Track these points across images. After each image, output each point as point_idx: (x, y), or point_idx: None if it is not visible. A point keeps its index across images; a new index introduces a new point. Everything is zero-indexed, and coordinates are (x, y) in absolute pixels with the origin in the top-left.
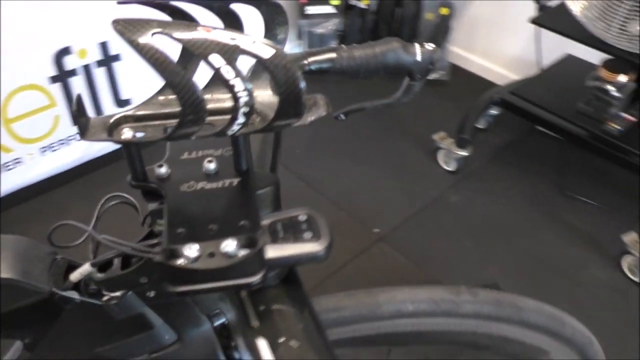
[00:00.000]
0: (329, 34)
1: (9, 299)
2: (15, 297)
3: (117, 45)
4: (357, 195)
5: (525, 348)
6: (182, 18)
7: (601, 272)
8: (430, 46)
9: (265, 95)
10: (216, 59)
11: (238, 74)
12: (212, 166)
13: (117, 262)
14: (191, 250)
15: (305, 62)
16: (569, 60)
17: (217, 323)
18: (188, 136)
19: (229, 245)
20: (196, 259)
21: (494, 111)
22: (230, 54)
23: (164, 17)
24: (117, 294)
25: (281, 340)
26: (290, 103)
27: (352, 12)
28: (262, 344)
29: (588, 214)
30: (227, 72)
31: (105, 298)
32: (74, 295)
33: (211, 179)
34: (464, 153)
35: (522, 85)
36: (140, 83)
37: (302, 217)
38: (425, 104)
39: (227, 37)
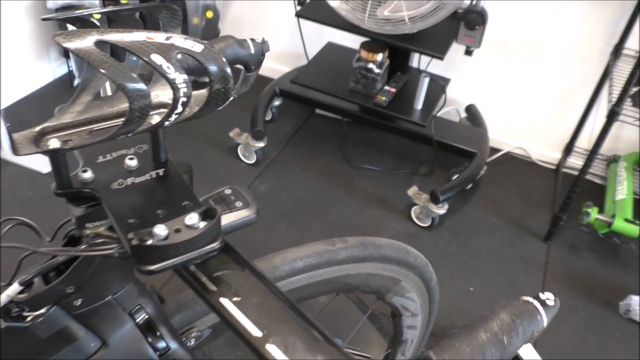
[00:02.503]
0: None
1: None
2: None
3: None
4: None
5: (384, 280)
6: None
7: (396, 224)
8: (259, 39)
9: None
10: (156, 57)
11: (177, 68)
12: (133, 163)
13: (37, 279)
14: (159, 229)
15: None
16: (331, 47)
17: (139, 318)
18: (130, 133)
19: (192, 218)
20: (167, 237)
21: (276, 102)
22: (168, 51)
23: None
24: (42, 310)
25: (238, 293)
26: (220, 90)
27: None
28: (226, 302)
29: (375, 179)
30: (168, 68)
31: (29, 318)
32: None
33: (136, 173)
34: (261, 144)
35: (298, 74)
36: None
37: (228, 191)
38: None
39: (162, 37)
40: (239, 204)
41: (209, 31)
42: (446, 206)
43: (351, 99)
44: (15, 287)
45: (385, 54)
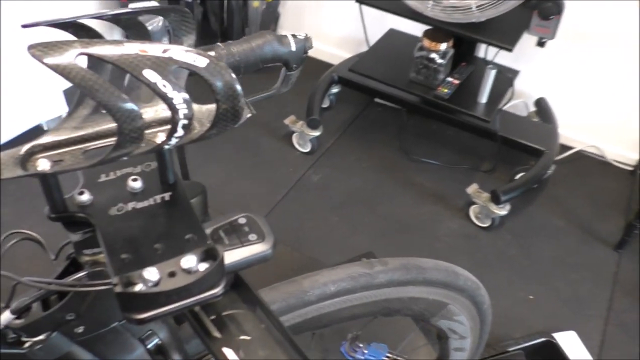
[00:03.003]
0: (158, 30)
1: None
2: None
3: None
4: (220, 193)
5: (428, 304)
6: (87, 35)
7: (453, 223)
8: (301, 36)
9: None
10: (150, 74)
11: (174, 86)
12: (137, 184)
13: (36, 304)
14: (150, 273)
15: None
16: (393, 34)
17: (150, 345)
18: (124, 156)
19: (189, 260)
20: (157, 282)
21: (334, 89)
22: (164, 67)
23: (69, 36)
24: (41, 337)
25: (244, 344)
26: (229, 109)
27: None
28: (229, 353)
29: (433, 173)
30: (164, 86)
31: (27, 344)
32: None
33: (139, 197)
34: (316, 133)
35: (357, 62)
36: None
37: (242, 220)
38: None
39: (159, 49)
40: (252, 236)
41: (269, 15)
42: (508, 207)
43: (411, 90)
44: (6, 316)
45: (450, 44)
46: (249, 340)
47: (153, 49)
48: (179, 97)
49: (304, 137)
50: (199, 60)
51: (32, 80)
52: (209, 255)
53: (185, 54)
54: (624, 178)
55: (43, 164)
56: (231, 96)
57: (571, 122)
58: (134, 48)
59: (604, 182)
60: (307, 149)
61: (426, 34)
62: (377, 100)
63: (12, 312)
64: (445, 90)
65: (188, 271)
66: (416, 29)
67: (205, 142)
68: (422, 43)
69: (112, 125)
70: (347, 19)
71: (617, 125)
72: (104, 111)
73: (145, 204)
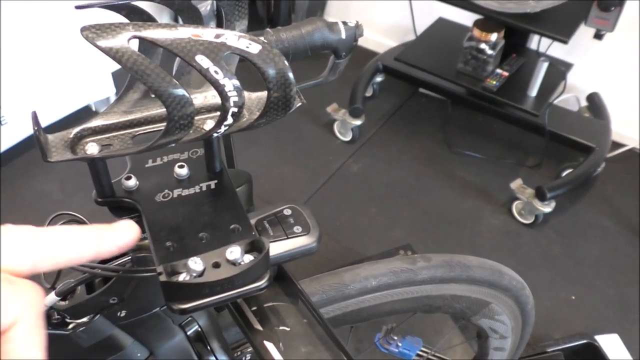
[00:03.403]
0: (206, 14)
1: None
2: None
3: None
4: (260, 178)
5: (471, 302)
6: (140, 18)
7: (495, 219)
8: (352, 23)
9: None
10: (202, 60)
11: (226, 73)
12: (184, 171)
13: (81, 287)
14: (195, 263)
15: None
16: (442, 23)
17: (190, 331)
18: (173, 143)
19: (234, 252)
20: (202, 273)
21: (378, 78)
22: (217, 53)
23: (121, 19)
24: (85, 319)
25: (286, 338)
26: (280, 98)
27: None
28: (270, 346)
29: (476, 167)
30: (216, 73)
31: (71, 326)
32: None
33: (185, 184)
34: (358, 122)
35: (404, 51)
36: None
37: (287, 212)
38: (311, 78)
39: (212, 34)
40: (297, 229)
41: (316, 1)
42: (553, 204)
43: (458, 81)
44: (52, 297)
45: (501, 34)
46: (290, 335)
47: (206, 34)
48: (230, 84)
49: (345, 126)
50: (252, 47)
51: (82, 61)
52: (254, 246)
53: (238, 39)
54: None
55: (92, 148)
56: (283, 84)
57: (625, 118)
58: (186, 32)
59: None
60: (348, 138)
61: (476, 23)
62: (421, 90)
63: (57, 294)
64: (494, 83)
65: (233, 263)
66: (466, 18)
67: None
68: (472, 33)
69: (162, 110)
70: (395, 7)
71: None
72: (153, 96)
73: (191, 191)
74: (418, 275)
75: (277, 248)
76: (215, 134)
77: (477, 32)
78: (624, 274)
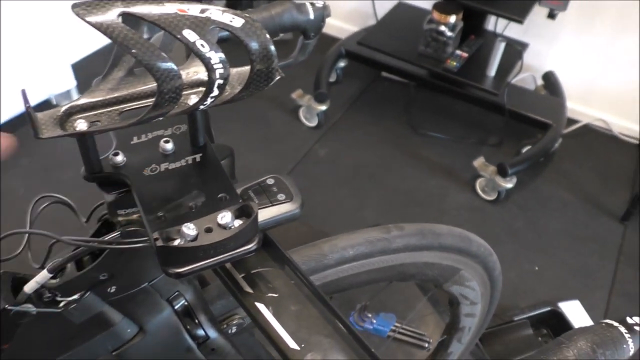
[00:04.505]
0: None
1: None
2: None
3: None
4: None
5: (442, 269)
6: None
7: (460, 196)
8: (319, 4)
9: None
10: (189, 34)
11: (212, 46)
12: (169, 146)
13: (70, 264)
14: (188, 228)
15: None
16: (402, 7)
17: (177, 305)
18: (161, 116)
19: (226, 217)
20: (195, 238)
21: (342, 63)
22: (202, 27)
23: None
24: (76, 296)
25: (275, 300)
26: (263, 70)
27: None
28: (262, 308)
29: (440, 147)
30: (202, 46)
31: (62, 304)
32: (29, 308)
33: (171, 158)
34: (323, 107)
35: (366, 35)
36: None
37: (270, 181)
38: (280, 59)
39: (197, 9)
40: (281, 196)
41: None
42: (515, 180)
43: (420, 63)
44: (44, 274)
45: (459, 16)
46: (279, 296)
47: (192, 9)
48: (217, 57)
49: (311, 111)
50: (236, 21)
51: (40, 54)
52: (243, 212)
53: (222, 14)
54: (630, 151)
55: (81, 125)
56: (265, 57)
57: (579, 95)
58: (173, 8)
59: (611, 156)
60: (314, 123)
61: (436, 6)
62: (384, 74)
63: (49, 271)
64: (454, 64)
65: (224, 227)
66: (425, 2)
67: (213, 115)
68: (432, 16)
69: (146, 87)
70: None
71: (624, 99)
72: (137, 73)
73: (177, 164)
74: (392, 243)
75: (262, 215)
76: (201, 107)
77: (436, 15)
78: (583, 244)
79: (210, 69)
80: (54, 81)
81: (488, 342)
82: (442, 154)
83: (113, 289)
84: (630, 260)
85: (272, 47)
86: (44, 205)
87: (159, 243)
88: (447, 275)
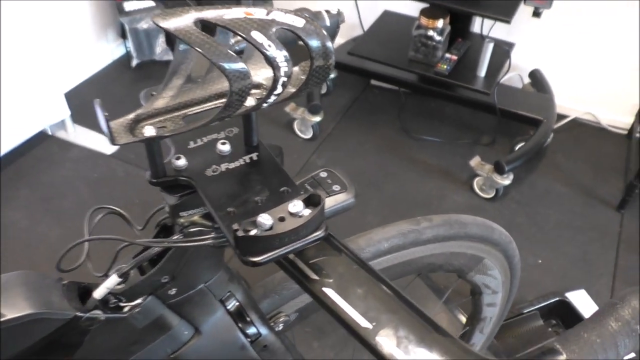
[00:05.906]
0: (155, 28)
1: (34, 333)
2: (40, 330)
3: None
4: None
5: (467, 259)
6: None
7: (459, 196)
8: (334, 11)
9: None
10: (257, 35)
11: (277, 46)
12: (226, 147)
13: (133, 270)
14: (264, 218)
15: None
16: (387, 16)
17: (230, 305)
18: (229, 116)
19: (297, 205)
20: (271, 227)
21: (332, 75)
22: (268, 28)
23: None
24: (139, 301)
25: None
26: (322, 66)
27: (173, 2)
28: (330, 292)
29: (435, 150)
30: (269, 46)
31: (127, 309)
32: (98, 314)
33: (229, 159)
34: (317, 119)
35: (355, 45)
36: None
37: (324, 174)
38: None
39: (262, 13)
40: (336, 187)
41: None
42: (511, 176)
43: (411, 68)
44: (114, 279)
45: (447, 20)
46: (344, 280)
47: (257, 12)
48: (281, 56)
49: (305, 124)
50: (297, 21)
51: (33, 86)
52: (310, 201)
53: (285, 15)
54: (619, 142)
55: (149, 130)
56: (324, 53)
57: (566, 91)
58: (240, 12)
59: (601, 147)
60: (309, 135)
61: (423, 12)
62: (373, 82)
63: (119, 276)
64: (445, 67)
65: (296, 215)
66: (410, 9)
67: None
68: (419, 21)
69: (207, 92)
70: (339, 4)
71: (610, 92)
72: (195, 80)
73: (236, 164)
74: (422, 234)
75: (327, 203)
76: (265, 104)
77: (424, 20)
78: (583, 234)
79: (275, 67)
80: (48, 111)
81: (500, 335)
82: (437, 156)
83: (173, 291)
84: (630, 247)
85: (331, 45)
86: (100, 216)
87: (240, 233)
88: (472, 265)
